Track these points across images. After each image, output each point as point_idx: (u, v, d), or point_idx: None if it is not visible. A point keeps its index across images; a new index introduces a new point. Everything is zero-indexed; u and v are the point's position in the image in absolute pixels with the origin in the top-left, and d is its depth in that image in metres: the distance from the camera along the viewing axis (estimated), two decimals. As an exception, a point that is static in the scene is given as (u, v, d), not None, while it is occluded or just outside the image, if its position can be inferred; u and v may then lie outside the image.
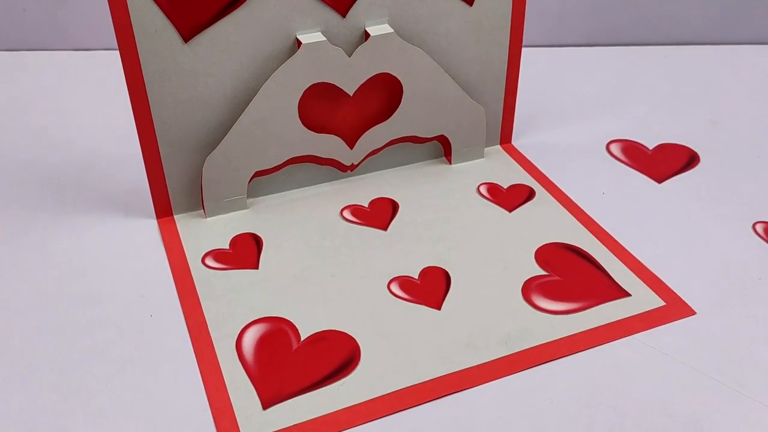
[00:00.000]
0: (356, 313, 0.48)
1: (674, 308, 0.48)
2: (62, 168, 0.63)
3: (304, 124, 0.56)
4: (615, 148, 0.65)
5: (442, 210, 0.57)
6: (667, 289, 0.50)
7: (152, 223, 0.56)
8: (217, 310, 0.48)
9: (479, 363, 0.44)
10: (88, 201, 0.59)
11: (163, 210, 0.56)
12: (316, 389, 0.43)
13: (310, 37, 0.53)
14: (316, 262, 0.52)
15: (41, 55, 0.81)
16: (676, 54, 0.81)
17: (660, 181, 0.61)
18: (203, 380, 0.44)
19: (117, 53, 0.49)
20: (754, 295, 0.49)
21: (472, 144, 0.62)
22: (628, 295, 0.49)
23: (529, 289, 0.50)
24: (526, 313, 0.48)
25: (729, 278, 0.51)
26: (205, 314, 0.48)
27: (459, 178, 0.61)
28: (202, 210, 0.57)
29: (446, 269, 0.51)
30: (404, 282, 0.50)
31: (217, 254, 0.53)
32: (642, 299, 0.49)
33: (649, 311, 0.48)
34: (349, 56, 0.54)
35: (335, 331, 0.47)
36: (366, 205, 0.57)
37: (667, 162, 0.63)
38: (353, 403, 0.42)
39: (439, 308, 0.48)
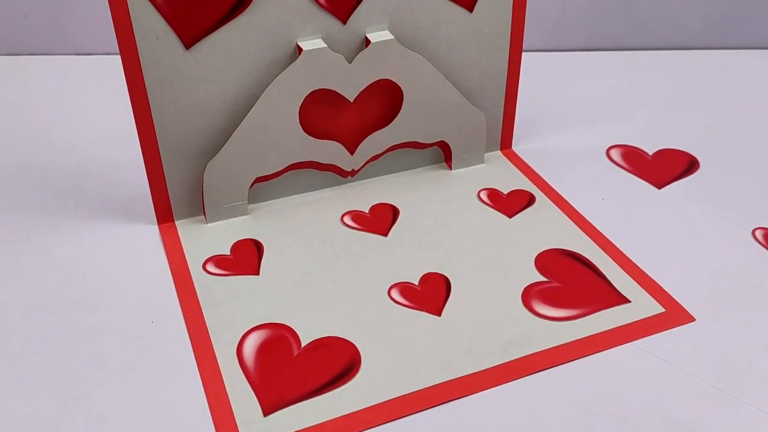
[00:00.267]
0: (357, 319, 0.48)
1: (673, 315, 0.48)
2: (63, 173, 0.63)
3: (305, 131, 0.56)
4: (615, 154, 0.65)
5: (443, 215, 0.57)
6: (666, 296, 0.50)
7: (153, 229, 0.56)
8: (218, 316, 0.48)
9: (479, 370, 0.45)
10: (90, 206, 0.59)
11: (165, 216, 0.56)
12: (316, 396, 0.43)
13: (310, 44, 0.53)
14: (316, 268, 0.52)
15: (42, 59, 0.81)
16: (676, 59, 0.81)
17: (660, 186, 0.61)
18: (204, 387, 0.44)
19: (118, 57, 0.50)
20: (754, 302, 0.49)
21: (473, 149, 0.62)
22: (628, 301, 0.49)
23: (529, 295, 0.50)
24: (526, 320, 0.48)
25: (728, 285, 0.51)
26: (206, 321, 0.48)
27: (459, 183, 0.61)
28: (203, 216, 0.57)
29: (446, 275, 0.51)
30: (404, 288, 0.50)
31: (218, 260, 0.53)
32: (641, 306, 0.49)
33: (648, 318, 0.48)
34: (350, 63, 0.54)
35: (336, 337, 0.47)
36: (366, 210, 0.58)
37: (666, 167, 0.63)
38: (354, 410, 0.42)
39: (439, 314, 0.48)
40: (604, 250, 0.54)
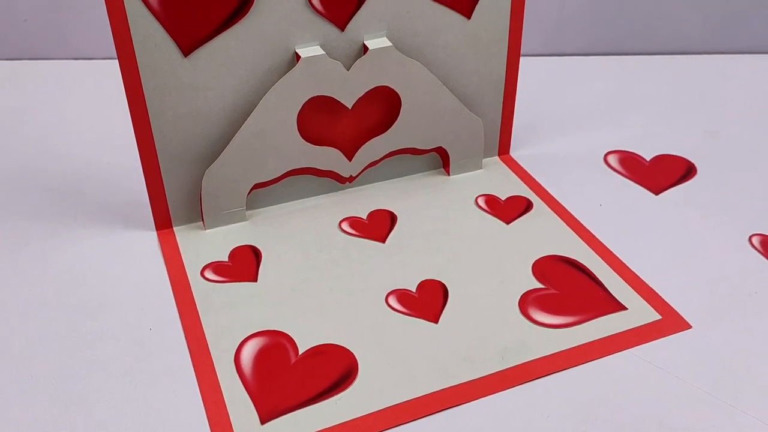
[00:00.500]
0: (354, 326, 0.48)
1: (670, 322, 0.49)
2: (62, 178, 0.63)
3: (303, 137, 0.56)
4: (612, 160, 0.65)
5: (441, 222, 0.57)
6: (663, 303, 0.50)
7: (152, 235, 0.56)
8: (216, 323, 0.49)
9: (476, 377, 0.45)
10: (88, 212, 0.59)
11: (163, 222, 0.56)
12: (314, 404, 0.43)
13: (309, 51, 0.53)
14: (314, 274, 0.52)
15: (42, 64, 0.81)
16: (674, 63, 0.82)
17: (657, 192, 0.61)
18: (202, 394, 0.44)
19: (117, 62, 0.50)
20: (750, 309, 0.50)
21: (470, 155, 0.62)
22: (625, 308, 0.50)
23: (526, 302, 0.50)
24: (523, 327, 0.48)
25: (725, 292, 0.51)
26: (204, 328, 0.48)
27: (457, 189, 0.61)
28: (201, 222, 0.57)
29: (444, 282, 0.52)
30: (402, 295, 0.51)
31: (217, 267, 0.53)
32: (638, 313, 0.49)
33: (645, 325, 0.48)
34: (348, 70, 0.54)
35: (333, 344, 0.47)
36: (364, 216, 0.58)
37: (664, 173, 0.63)
38: (351, 418, 0.43)
39: (436, 322, 0.49)
40: (601, 257, 0.54)
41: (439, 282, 0.52)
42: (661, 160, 0.65)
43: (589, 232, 0.56)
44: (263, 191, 0.58)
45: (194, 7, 0.49)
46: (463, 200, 0.60)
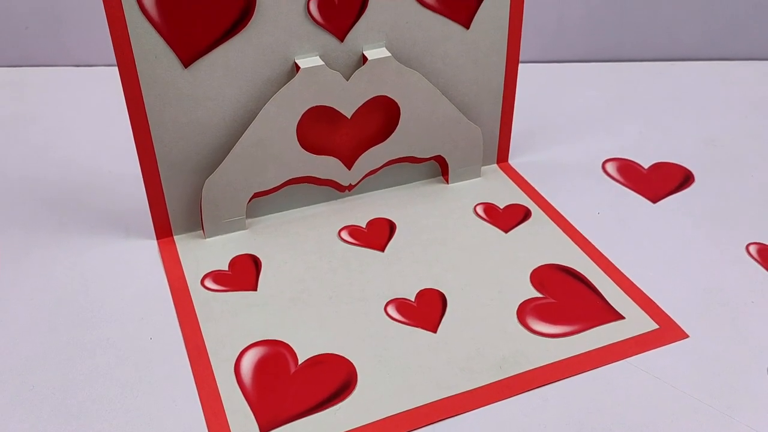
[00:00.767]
0: (353, 336, 0.48)
1: (667, 331, 0.49)
2: (63, 186, 0.63)
3: (303, 146, 0.56)
4: (611, 167, 0.65)
5: (439, 230, 0.57)
6: (660, 312, 0.50)
7: (152, 244, 0.57)
8: (216, 332, 0.49)
9: (474, 387, 0.45)
10: (89, 221, 0.59)
11: (163, 231, 0.57)
12: (313, 414, 0.44)
13: (308, 62, 0.53)
14: (313, 284, 0.53)
15: (43, 70, 0.82)
16: (672, 70, 0.82)
17: (655, 200, 0.61)
18: (202, 404, 0.44)
19: (117, 69, 0.50)
20: (746, 319, 0.50)
21: (469, 164, 0.63)
22: (622, 318, 0.50)
23: (524, 311, 0.50)
24: (521, 337, 0.48)
25: (722, 301, 0.51)
26: (204, 337, 0.48)
27: (456, 197, 0.61)
28: (201, 230, 0.57)
29: (442, 291, 0.52)
30: (401, 305, 0.51)
31: (217, 276, 0.53)
32: (636, 322, 0.50)
33: (642, 334, 0.49)
34: (347, 80, 0.55)
35: (332, 354, 0.47)
36: (364, 225, 0.58)
37: (662, 181, 0.63)
38: (350, 428, 0.43)
39: (435, 331, 0.49)
40: (599, 266, 0.54)
41: (438, 291, 0.52)
42: (659, 168, 0.65)
43: (587, 240, 0.57)
44: (263, 200, 0.58)
45: (194, 19, 0.50)
46: (462, 209, 0.60)
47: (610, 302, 0.51)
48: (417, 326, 0.49)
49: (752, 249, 0.56)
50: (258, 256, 0.55)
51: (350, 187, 0.60)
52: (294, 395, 0.45)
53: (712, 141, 0.69)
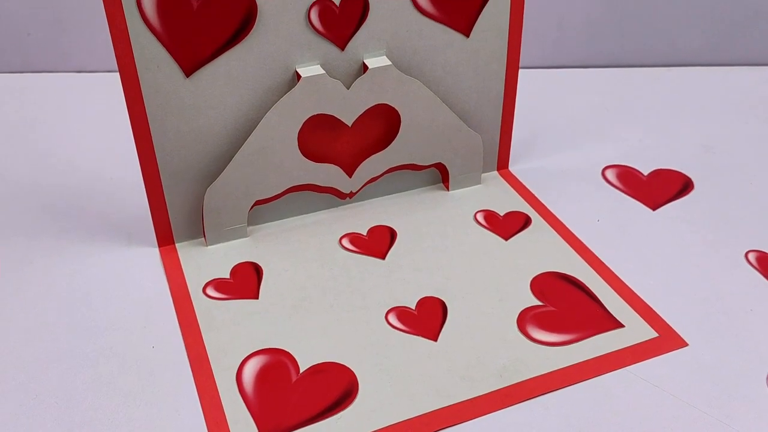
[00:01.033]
0: (354, 344, 0.49)
1: (667, 340, 0.49)
2: (65, 193, 0.64)
3: (304, 154, 0.56)
4: (610, 174, 0.66)
5: (440, 238, 0.58)
6: (659, 320, 0.51)
7: (154, 251, 0.57)
8: (217, 341, 0.49)
9: (474, 396, 0.45)
10: (91, 228, 0.59)
11: (165, 238, 0.57)
12: (314, 422, 0.44)
13: (309, 70, 0.54)
14: (314, 292, 0.53)
15: (45, 76, 0.82)
16: (672, 75, 0.82)
17: (654, 208, 0.62)
18: (204, 413, 0.45)
19: (120, 78, 0.50)
20: (745, 327, 0.50)
21: (470, 171, 0.63)
22: (622, 326, 0.50)
23: (524, 320, 0.50)
24: (521, 345, 0.49)
25: (721, 309, 0.52)
26: (206, 346, 0.49)
27: (456, 205, 0.61)
28: (203, 238, 0.58)
29: (443, 299, 0.52)
30: (401, 313, 0.51)
31: (218, 284, 0.54)
32: (635, 330, 0.50)
33: (641, 343, 0.49)
34: (348, 88, 0.55)
35: (334, 363, 0.47)
36: (364, 233, 0.58)
37: (661, 188, 0.64)
38: (351, 437, 0.43)
39: (435, 339, 0.49)
40: (598, 274, 0.54)
41: (439, 299, 0.52)
42: (659, 174, 0.66)
43: (587, 248, 0.57)
44: (264, 207, 0.59)
45: (196, 29, 0.50)
46: (463, 216, 0.60)
47: (609, 310, 0.51)
48: (417, 334, 0.50)
49: (751, 256, 0.56)
50: (259, 263, 0.55)
51: (351, 195, 0.60)
52: (296, 404, 0.45)
53: (711, 147, 0.69)
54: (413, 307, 0.52)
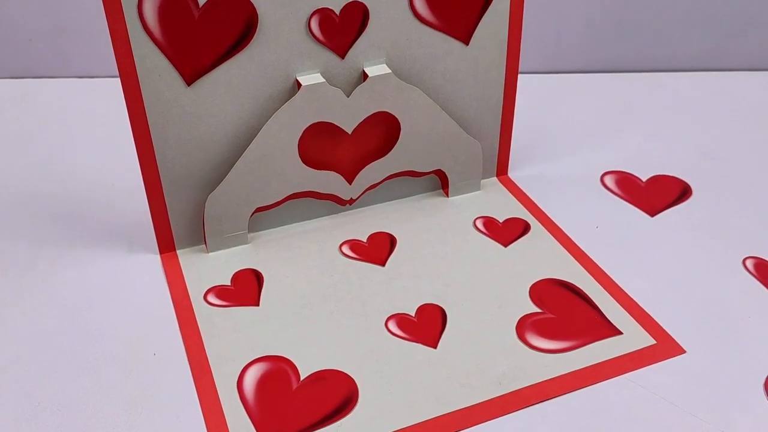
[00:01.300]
0: (354, 351, 0.49)
1: (664, 347, 0.49)
2: (67, 200, 0.64)
3: (304, 162, 0.57)
4: (609, 180, 0.66)
5: (439, 245, 0.58)
6: (657, 327, 0.51)
7: (155, 258, 0.57)
8: (218, 348, 0.49)
9: (474, 403, 0.46)
10: (93, 234, 0.60)
11: (166, 245, 0.57)
12: (315, 430, 0.44)
13: (309, 79, 0.54)
14: (315, 299, 0.53)
15: (46, 82, 0.82)
16: (671, 81, 0.82)
17: (653, 214, 0.62)
18: (205, 421, 0.45)
19: (121, 86, 0.51)
20: (743, 334, 0.50)
21: (469, 177, 0.63)
22: (620, 333, 0.50)
23: (523, 327, 0.51)
24: (520, 352, 0.49)
25: (719, 316, 0.52)
26: (207, 353, 0.49)
27: (456, 211, 0.62)
28: (204, 245, 0.58)
29: (443, 306, 0.52)
30: (401, 320, 0.51)
31: (219, 291, 0.54)
32: (633, 337, 0.50)
33: (639, 350, 0.49)
34: (348, 96, 0.55)
35: (334, 370, 0.48)
36: (365, 239, 0.59)
37: (659, 195, 0.64)
38: (351, 444, 0.44)
39: (435, 347, 0.49)
40: (597, 281, 0.55)
41: (438, 306, 0.52)
42: (657, 180, 0.66)
43: (586, 254, 0.57)
44: (265, 214, 0.59)
45: (197, 38, 0.50)
46: (462, 222, 0.60)
47: (608, 317, 0.52)
48: (417, 342, 0.50)
49: (749, 263, 0.56)
50: (260, 270, 0.56)
51: (351, 201, 0.61)
52: (296, 411, 0.45)
53: (710, 153, 0.70)
54: (413, 314, 0.52)
